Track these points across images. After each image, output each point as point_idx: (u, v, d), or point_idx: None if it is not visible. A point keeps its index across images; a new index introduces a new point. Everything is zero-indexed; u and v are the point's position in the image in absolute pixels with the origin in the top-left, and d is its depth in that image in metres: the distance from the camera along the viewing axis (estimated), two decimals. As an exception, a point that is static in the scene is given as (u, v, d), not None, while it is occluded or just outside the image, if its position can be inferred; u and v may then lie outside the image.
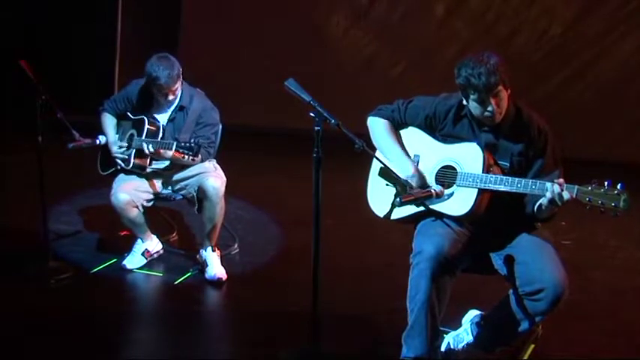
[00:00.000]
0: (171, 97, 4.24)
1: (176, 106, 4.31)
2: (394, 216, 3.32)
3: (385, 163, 3.24)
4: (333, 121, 3.05)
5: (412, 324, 3.17)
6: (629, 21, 7.25)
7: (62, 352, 3.52)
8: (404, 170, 3.24)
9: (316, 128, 3.04)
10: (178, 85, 4.24)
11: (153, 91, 4.25)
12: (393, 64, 8.01)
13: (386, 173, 3.25)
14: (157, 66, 4.13)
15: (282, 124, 7.49)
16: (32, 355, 3.49)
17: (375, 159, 3.30)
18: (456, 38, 7.69)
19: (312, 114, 3.06)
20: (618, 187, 2.84)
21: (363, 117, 3.50)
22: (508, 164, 3.15)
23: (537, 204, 3.04)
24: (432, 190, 3.15)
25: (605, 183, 2.85)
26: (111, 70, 8.15)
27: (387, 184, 3.33)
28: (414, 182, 3.20)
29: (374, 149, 3.36)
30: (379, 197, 3.39)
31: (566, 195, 2.90)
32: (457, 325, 3.55)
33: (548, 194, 2.93)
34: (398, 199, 3.12)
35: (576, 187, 2.90)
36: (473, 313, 3.57)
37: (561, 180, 2.94)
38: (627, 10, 7.24)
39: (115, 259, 4.49)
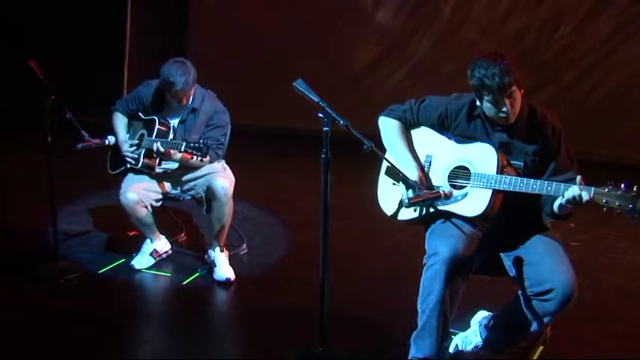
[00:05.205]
0: (184, 102, 4.26)
1: (188, 108, 4.31)
2: (404, 217, 3.31)
3: (394, 164, 3.23)
4: (342, 121, 3.03)
5: (423, 325, 3.16)
6: (638, 20, 7.22)
7: (70, 351, 3.52)
8: (409, 176, 3.21)
9: (325, 129, 3.03)
10: (193, 90, 4.25)
11: (166, 95, 4.26)
12: (398, 66, 8.00)
13: (394, 173, 3.24)
14: (174, 71, 4.12)
15: (289, 125, 7.49)
16: (40, 354, 3.50)
17: (384, 159, 3.29)
18: (463, 39, 7.67)
19: (320, 115, 3.05)
20: (635, 189, 2.82)
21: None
22: (522, 164, 3.13)
23: (558, 203, 3.01)
24: (441, 191, 3.14)
25: (622, 185, 2.83)
26: (120, 70, 8.17)
27: (393, 183, 3.32)
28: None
29: (383, 150, 3.34)
30: (387, 196, 3.38)
31: (585, 196, 2.88)
32: (466, 326, 3.55)
33: (568, 195, 2.90)
34: (406, 200, 3.11)
35: (593, 188, 2.88)
36: (481, 315, 3.56)
37: (580, 178, 2.92)
38: (637, 9, 7.20)
39: (123, 259, 4.50)
